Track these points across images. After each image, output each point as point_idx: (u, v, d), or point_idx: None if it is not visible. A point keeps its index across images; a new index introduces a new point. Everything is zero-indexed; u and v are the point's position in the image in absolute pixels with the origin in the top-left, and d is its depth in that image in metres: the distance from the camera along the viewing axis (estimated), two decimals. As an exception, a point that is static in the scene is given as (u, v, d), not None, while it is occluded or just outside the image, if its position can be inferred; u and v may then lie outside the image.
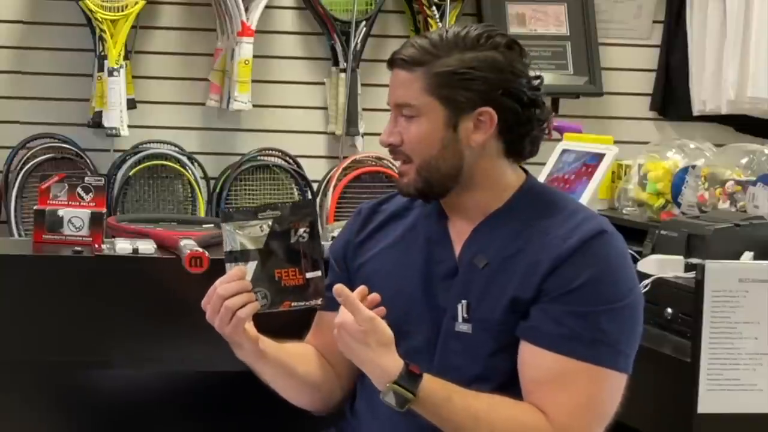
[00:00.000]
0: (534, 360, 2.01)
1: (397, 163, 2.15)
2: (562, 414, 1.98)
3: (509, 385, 2.03)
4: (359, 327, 1.97)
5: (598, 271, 2.01)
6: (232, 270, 2.04)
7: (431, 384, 1.98)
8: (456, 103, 2.06)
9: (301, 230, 2.05)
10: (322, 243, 2.19)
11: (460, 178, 2.09)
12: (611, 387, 2.02)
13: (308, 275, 2.04)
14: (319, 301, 2.06)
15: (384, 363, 1.98)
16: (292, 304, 2.05)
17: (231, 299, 2.03)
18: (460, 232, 2.12)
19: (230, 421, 2.64)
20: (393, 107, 2.11)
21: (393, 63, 2.11)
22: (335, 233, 2.40)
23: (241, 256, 2.05)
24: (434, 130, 2.07)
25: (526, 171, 2.17)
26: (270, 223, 2.04)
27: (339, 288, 1.98)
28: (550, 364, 1.99)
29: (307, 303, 2.06)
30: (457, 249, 2.11)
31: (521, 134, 2.09)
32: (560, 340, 1.98)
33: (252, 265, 2.04)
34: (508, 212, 2.10)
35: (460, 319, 2.07)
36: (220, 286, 2.04)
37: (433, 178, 2.08)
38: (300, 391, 2.19)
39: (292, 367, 2.15)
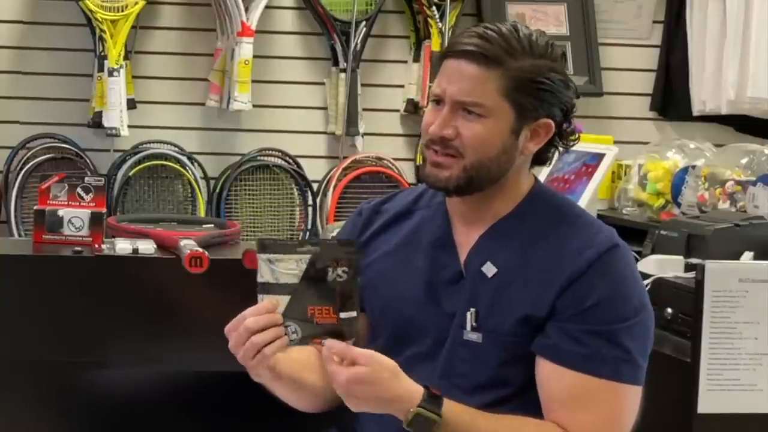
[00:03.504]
0: (555, 378, 1.97)
1: (430, 153, 2.03)
2: None
3: (518, 394, 2.01)
4: (366, 368, 1.87)
5: (613, 288, 1.98)
6: (264, 302, 1.93)
7: (454, 405, 1.92)
8: (525, 110, 2.00)
9: (340, 270, 1.94)
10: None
11: (499, 183, 2.04)
12: (631, 401, 2.00)
13: (342, 315, 1.94)
14: (351, 342, 1.94)
15: (406, 388, 1.90)
16: (323, 341, 1.94)
17: (258, 335, 1.89)
18: (465, 237, 2.08)
19: (230, 421, 2.64)
20: (452, 101, 1.99)
21: (461, 54, 1.99)
22: (335, 233, 2.39)
23: (274, 288, 1.94)
24: (499, 133, 1.99)
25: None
26: (308, 258, 1.95)
27: (330, 345, 1.89)
28: (572, 383, 1.96)
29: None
30: (462, 254, 2.07)
31: (555, 146, 2.07)
32: (582, 360, 1.95)
33: (285, 299, 1.94)
34: (517, 218, 2.06)
35: (468, 327, 2.02)
36: (250, 317, 1.90)
37: (479, 178, 2.01)
38: (308, 400, 2.14)
39: (302, 380, 2.08)
